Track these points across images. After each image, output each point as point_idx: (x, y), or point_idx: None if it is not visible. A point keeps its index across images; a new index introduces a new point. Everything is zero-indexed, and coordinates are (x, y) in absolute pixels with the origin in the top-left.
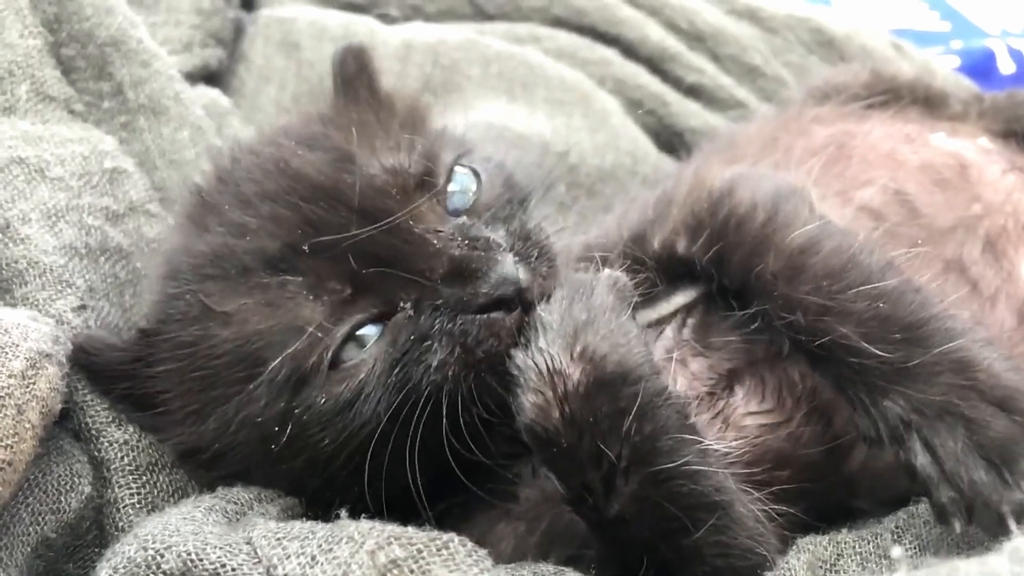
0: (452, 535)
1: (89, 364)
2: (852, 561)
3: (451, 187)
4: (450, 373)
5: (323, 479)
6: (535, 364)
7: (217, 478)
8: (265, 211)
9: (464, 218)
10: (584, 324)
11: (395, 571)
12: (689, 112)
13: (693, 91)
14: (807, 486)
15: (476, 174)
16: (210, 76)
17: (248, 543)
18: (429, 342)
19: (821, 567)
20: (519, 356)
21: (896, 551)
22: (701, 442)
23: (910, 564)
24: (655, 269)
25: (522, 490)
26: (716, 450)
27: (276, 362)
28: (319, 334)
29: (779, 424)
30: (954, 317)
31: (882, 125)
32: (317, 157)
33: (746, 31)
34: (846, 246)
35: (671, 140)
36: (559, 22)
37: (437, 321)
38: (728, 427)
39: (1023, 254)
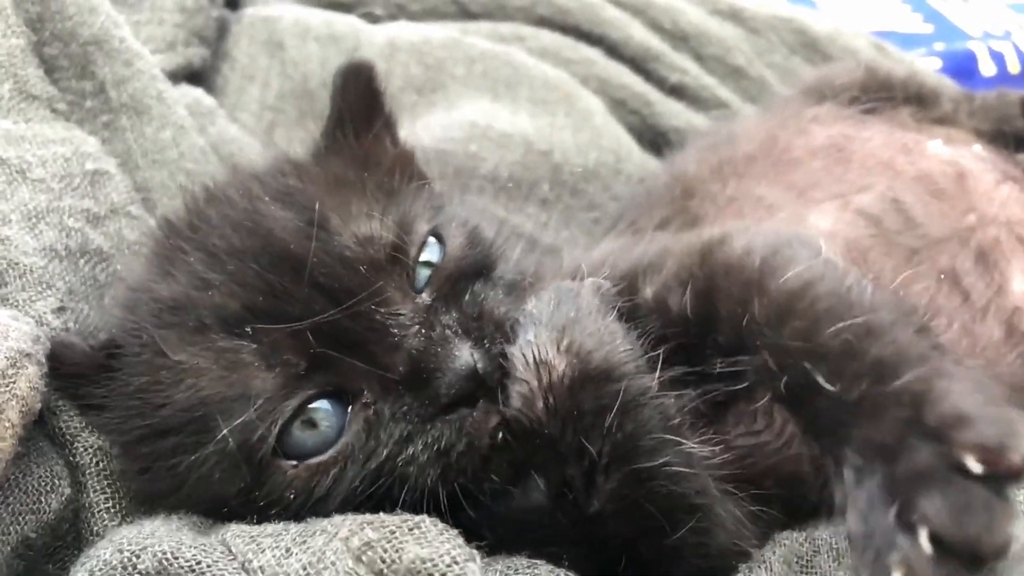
0: (424, 516)
1: (56, 369)
2: (828, 557)
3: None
4: (428, 480)
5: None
6: (522, 355)
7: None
8: (230, 269)
9: (424, 295)
10: (572, 321)
11: (369, 552)
12: (672, 112)
13: (676, 91)
14: (793, 496)
15: (441, 241)
16: (193, 75)
17: (222, 543)
18: (400, 449)
19: (797, 562)
20: (509, 348)
21: None
22: (684, 444)
23: None
24: (646, 320)
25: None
26: (700, 454)
27: (224, 432)
28: (269, 406)
29: (769, 443)
30: (931, 349)
31: (880, 133)
32: (289, 217)
33: (729, 31)
34: (842, 284)
35: (655, 140)
36: (543, 21)
37: (408, 427)
38: (718, 445)
39: (1015, 267)
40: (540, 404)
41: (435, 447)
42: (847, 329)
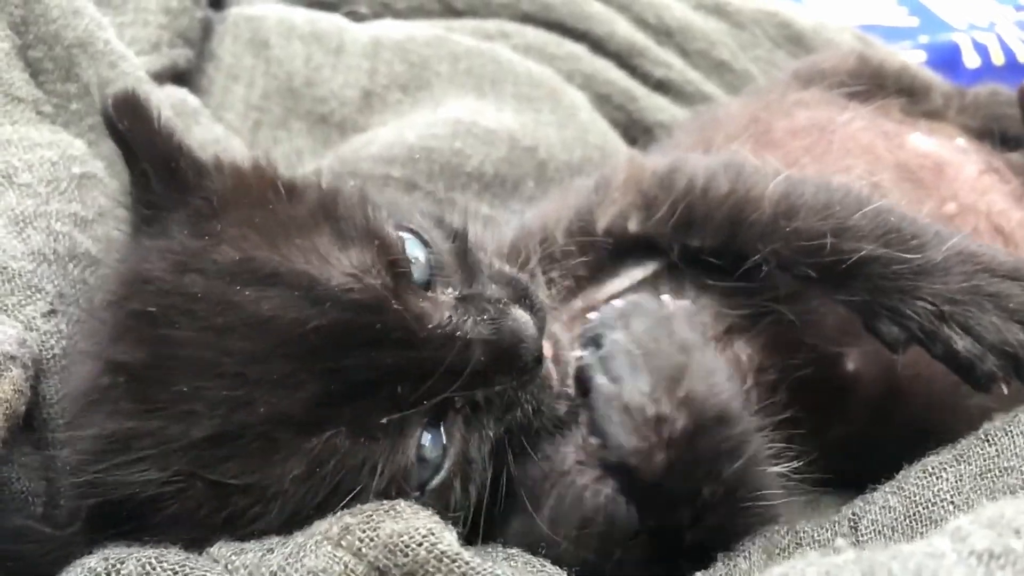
0: (399, 500)
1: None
2: (810, 549)
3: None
4: (507, 445)
5: None
6: (639, 405)
7: None
8: (263, 374)
9: (450, 289)
10: (682, 366)
11: (348, 536)
12: (657, 107)
13: (662, 86)
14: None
15: (416, 234)
16: (178, 76)
17: (207, 555)
18: (485, 433)
19: (779, 554)
20: (606, 386)
21: (839, 542)
22: (775, 469)
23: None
24: (604, 248)
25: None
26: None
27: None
28: (391, 470)
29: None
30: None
31: (862, 118)
32: (276, 295)
33: (714, 26)
34: (822, 184)
35: (640, 135)
36: (527, 18)
37: (503, 406)
38: (740, 375)
39: None
40: (661, 458)
41: (512, 415)
42: (870, 214)
